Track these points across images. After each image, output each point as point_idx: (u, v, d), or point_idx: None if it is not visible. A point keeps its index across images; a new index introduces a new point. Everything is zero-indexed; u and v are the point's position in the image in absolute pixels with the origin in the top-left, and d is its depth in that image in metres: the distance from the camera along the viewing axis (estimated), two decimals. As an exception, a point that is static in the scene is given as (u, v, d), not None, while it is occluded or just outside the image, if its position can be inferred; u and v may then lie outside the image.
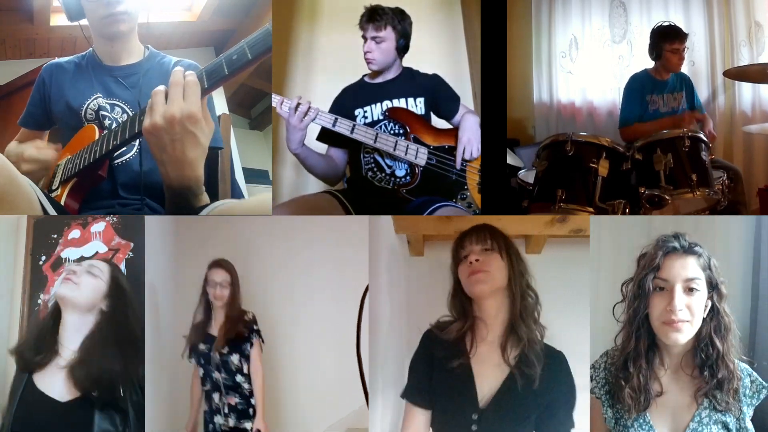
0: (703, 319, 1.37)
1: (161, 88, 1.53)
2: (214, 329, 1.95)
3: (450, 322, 1.51)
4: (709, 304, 1.38)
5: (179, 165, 1.55)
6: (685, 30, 2.86)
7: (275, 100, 2.01)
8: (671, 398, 1.40)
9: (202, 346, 1.94)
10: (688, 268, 1.36)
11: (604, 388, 1.46)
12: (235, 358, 1.92)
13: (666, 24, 2.78)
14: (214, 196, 2.17)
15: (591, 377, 1.49)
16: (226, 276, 1.93)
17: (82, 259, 1.99)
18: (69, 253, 2.03)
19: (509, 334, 1.45)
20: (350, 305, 1.91)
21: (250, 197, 2.51)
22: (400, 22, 2.11)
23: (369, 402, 1.78)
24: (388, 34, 2.10)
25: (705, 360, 1.37)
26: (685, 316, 1.34)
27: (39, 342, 1.54)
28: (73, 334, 1.56)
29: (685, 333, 1.35)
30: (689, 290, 1.35)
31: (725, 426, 1.37)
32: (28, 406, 1.46)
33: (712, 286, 1.38)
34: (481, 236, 1.48)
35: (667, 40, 2.72)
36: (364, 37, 2.10)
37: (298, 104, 1.99)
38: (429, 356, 1.49)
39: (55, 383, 1.50)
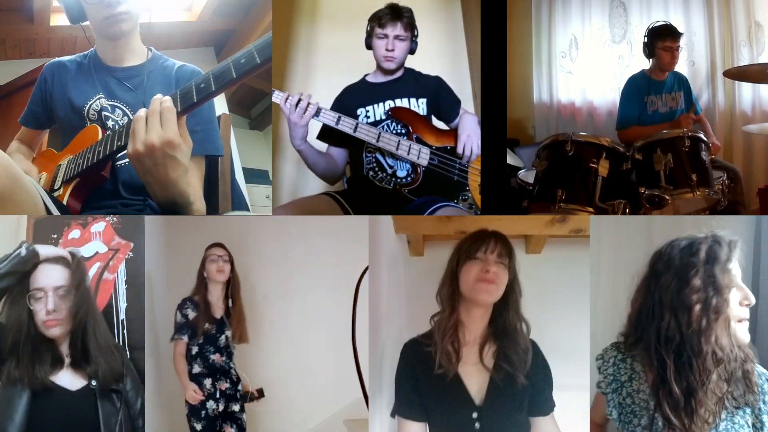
0: None
1: (141, 114, 1.59)
2: (216, 311, 2.01)
3: (429, 335, 1.52)
4: None
5: (163, 185, 1.64)
6: (684, 30, 2.86)
7: (278, 96, 2.01)
8: None
9: (207, 326, 1.98)
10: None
11: (611, 385, 1.41)
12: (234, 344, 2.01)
13: (661, 23, 2.79)
14: (214, 197, 2.17)
15: (599, 369, 1.44)
16: (225, 252, 2.01)
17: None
18: (69, 253, 2.03)
19: (487, 338, 1.50)
20: (349, 303, 1.92)
21: (253, 206, 2.54)
22: (414, 21, 2.10)
23: (369, 394, 1.78)
24: (409, 34, 2.10)
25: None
26: None
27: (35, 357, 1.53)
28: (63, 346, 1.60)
29: None
30: None
31: None
32: (42, 399, 1.51)
33: None
34: (501, 248, 1.49)
35: (659, 38, 2.74)
36: (384, 35, 2.08)
37: (299, 100, 1.99)
38: (412, 368, 1.50)
39: (64, 377, 1.56)
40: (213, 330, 1.99)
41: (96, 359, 1.57)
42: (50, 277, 1.55)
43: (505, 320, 1.49)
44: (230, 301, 2.04)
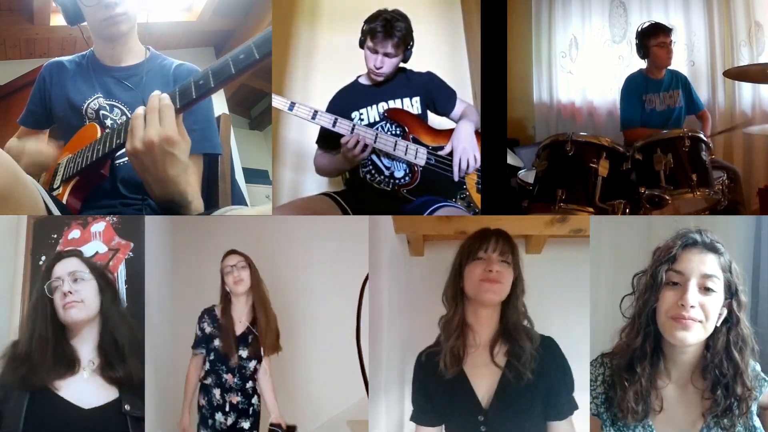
0: (717, 328, 1.27)
1: (140, 111, 1.60)
2: (238, 327, 1.89)
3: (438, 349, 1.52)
4: (725, 312, 1.28)
5: (162, 183, 1.64)
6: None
7: (278, 101, 2.00)
8: (677, 415, 1.31)
9: (221, 345, 1.87)
10: (707, 264, 1.26)
11: (604, 405, 1.37)
12: (251, 364, 1.90)
13: (649, 23, 2.81)
14: (214, 197, 2.17)
15: (590, 393, 1.41)
16: (240, 258, 1.89)
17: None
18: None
19: (498, 338, 1.49)
20: (350, 303, 1.92)
21: (252, 206, 2.52)
22: (409, 33, 2.05)
23: (369, 394, 1.78)
24: (400, 50, 2.05)
25: (719, 378, 1.26)
26: (698, 314, 1.23)
27: (54, 359, 1.50)
28: (87, 346, 1.56)
29: (694, 333, 1.23)
30: (705, 289, 1.25)
31: None
32: (42, 418, 1.45)
33: (731, 292, 1.28)
34: (504, 247, 1.49)
35: (651, 37, 2.75)
36: (374, 50, 2.04)
37: (356, 143, 1.99)
38: (423, 379, 1.53)
39: (78, 391, 1.50)
40: (225, 350, 1.87)
41: (129, 360, 1.54)
42: (65, 267, 1.55)
43: (511, 318, 1.49)
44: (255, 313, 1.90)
